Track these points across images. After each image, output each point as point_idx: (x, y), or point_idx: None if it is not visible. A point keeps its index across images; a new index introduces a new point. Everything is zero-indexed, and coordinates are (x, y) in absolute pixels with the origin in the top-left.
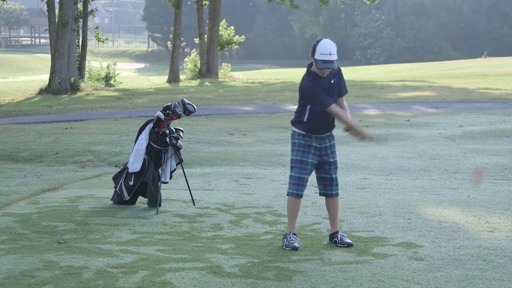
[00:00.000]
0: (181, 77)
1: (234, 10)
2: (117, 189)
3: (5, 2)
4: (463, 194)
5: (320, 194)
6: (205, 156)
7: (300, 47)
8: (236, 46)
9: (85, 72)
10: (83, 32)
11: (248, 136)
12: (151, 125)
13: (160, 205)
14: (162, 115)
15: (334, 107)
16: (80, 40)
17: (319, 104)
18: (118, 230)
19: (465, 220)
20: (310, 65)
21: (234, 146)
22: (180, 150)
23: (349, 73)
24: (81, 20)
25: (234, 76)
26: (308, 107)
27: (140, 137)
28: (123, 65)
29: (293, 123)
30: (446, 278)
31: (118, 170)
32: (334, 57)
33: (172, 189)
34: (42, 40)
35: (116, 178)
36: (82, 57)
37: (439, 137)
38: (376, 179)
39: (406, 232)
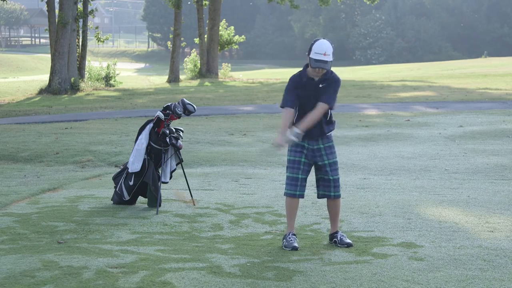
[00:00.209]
0: (181, 77)
1: (234, 10)
2: (117, 189)
3: (5, 2)
4: (463, 194)
5: (319, 197)
6: (205, 156)
7: (300, 47)
8: (236, 46)
9: (85, 72)
10: (83, 32)
11: (248, 136)
12: (151, 125)
13: (160, 205)
14: (162, 115)
15: (283, 112)
16: (80, 40)
17: (282, 100)
18: (118, 230)
19: (465, 220)
20: (306, 66)
21: (234, 146)
22: (180, 150)
23: (349, 73)
24: (81, 20)
25: (234, 76)
26: (299, 108)
27: (140, 137)
28: (123, 65)
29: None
30: (446, 278)
31: (118, 170)
32: (329, 58)
33: (172, 189)
34: (42, 40)
35: (116, 178)
36: (82, 57)
37: (439, 137)
38: (376, 179)
39: (406, 232)
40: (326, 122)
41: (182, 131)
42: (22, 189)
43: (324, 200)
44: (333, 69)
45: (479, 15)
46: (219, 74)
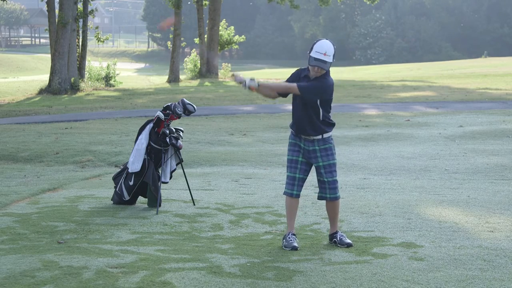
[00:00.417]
0: (181, 77)
1: (234, 10)
2: (117, 189)
3: (5, 2)
4: (463, 194)
5: (318, 198)
6: (205, 156)
7: (300, 47)
8: (236, 46)
9: (85, 72)
10: (83, 32)
11: (248, 136)
12: (151, 125)
13: (160, 205)
14: (162, 115)
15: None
16: (80, 40)
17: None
18: (118, 230)
19: (465, 220)
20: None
21: (234, 146)
22: (180, 150)
23: (349, 73)
24: (81, 20)
25: None
26: (293, 105)
27: (140, 137)
28: (123, 65)
29: (290, 124)
30: (446, 278)
31: (118, 170)
32: (328, 58)
33: (172, 189)
34: (42, 40)
35: (116, 178)
36: (82, 57)
37: (439, 137)
38: (376, 179)
39: (406, 232)
40: (321, 122)
41: (182, 131)
42: (22, 189)
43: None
44: (334, 69)
45: (479, 15)
46: (219, 74)
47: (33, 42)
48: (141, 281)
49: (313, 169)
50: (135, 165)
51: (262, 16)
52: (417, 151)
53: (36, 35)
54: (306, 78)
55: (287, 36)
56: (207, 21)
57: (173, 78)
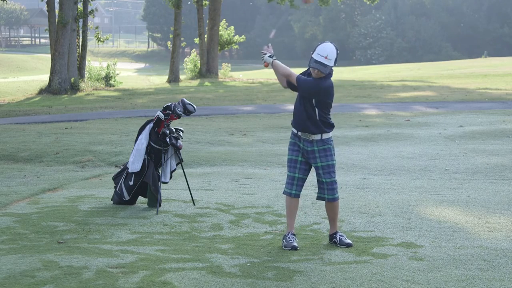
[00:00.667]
0: (181, 77)
1: (234, 10)
2: (117, 189)
3: (5, 2)
4: (463, 194)
5: (317, 198)
6: (205, 156)
7: (300, 47)
8: (236, 46)
9: (85, 72)
10: (83, 32)
11: (248, 136)
12: (151, 125)
13: (160, 205)
14: (162, 115)
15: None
16: (80, 40)
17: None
18: (118, 230)
19: (465, 220)
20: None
21: (234, 146)
22: (180, 150)
23: (349, 73)
24: (81, 20)
25: (234, 76)
26: (296, 101)
27: (140, 137)
28: (123, 65)
29: (291, 122)
30: (446, 278)
31: (118, 170)
32: (329, 62)
33: (172, 189)
34: (42, 40)
35: (116, 178)
36: (82, 57)
37: (439, 137)
38: (376, 179)
39: (406, 232)
40: (322, 122)
41: (182, 131)
42: (22, 189)
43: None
44: (334, 69)
45: (479, 15)
46: (219, 74)
47: (33, 42)
48: (141, 281)
49: (313, 169)
50: (135, 165)
51: (262, 16)
52: (417, 151)
53: (36, 35)
54: (309, 76)
55: (287, 36)
56: (207, 21)
57: (173, 78)
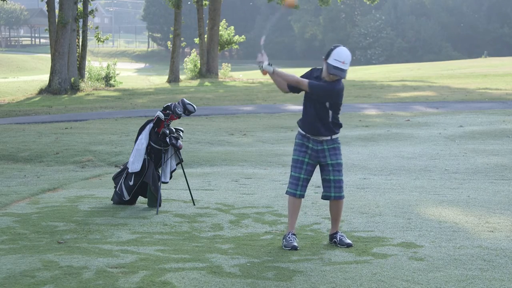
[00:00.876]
0: (181, 77)
1: (234, 10)
2: (117, 189)
3: (5, 2)
4: (463, 194)
5: (322, 197)
6: (205, 156)
7: (300, 47)
8: (236, 46)
9: (85, 72)
10: (83, 32)
11: (248, 136)
12: (151, 125)
13: (160, 205)
14: (162, 115)
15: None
16: (80, 40)
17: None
18: (118, 230)
19: (465, 220)
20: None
21: (234, 146)
22: (180, 150)
23: (349, 73)
24: (81, 20)
25: (234, 76)
26: (304, 104)
27: (140, 137)
28: (123, 65)
29: (298, 122)
30: (446, 278)
31: (118, 170)
32: (346, 67)
33: (172, 189)
34: (42, 40)
35: (116, 178)
36: (82, 57)
37: (439, 137)
38: (376, 179)
39: (406, 232)
40: (333, 123)
41: (182, 131)
42: (22, 189)
43: (324, 200)
44: None
45: (479, 15)
46: (219, 74)
47: (33, 42)
48: (141, 281)
49: (317, 169)
50: (135, 165)
51: (262, 16)
52: (417, 151)
53: (36, 35)
54: (317, 79)
55: (287, 36)
56: (207, 21)
57: (173, 78)
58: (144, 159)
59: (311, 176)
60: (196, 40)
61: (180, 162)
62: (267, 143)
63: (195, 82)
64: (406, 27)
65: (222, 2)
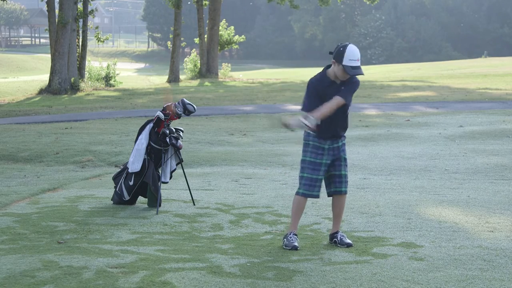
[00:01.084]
0: (181, 77)
1: (234, 10)
2: (117, 189)
3: (5, 2)
4: (463, 194)
5: (329, 195)
6: (205, 156)
7: (300, 47)
8: (236, 46)
9: (85, 72)
10: (83, 32)
11: (248, 136)
12: (151, 125)
13: (160, 205)
14: (162, 115)
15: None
16: (80, 40)
17: (302, 105)
18: (118, 230)
19: (465, 220)
20: (328, 67)
21: (234, 146)
22: (180, 150)
23: None
24: (81, 20)
25: (234, 76)
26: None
27: (140, 137)
28: (123, 65)
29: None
30: (446, 278)
31: (118, 170)
32: (360, 62)
33: (172, 189)
34: (42, 40)
35: (116, 178)
36: (82, 57)
37: (439, 137)
38: (376, 179)
39: (406, 232)
40: (346, 120)
41: (182, 131)
42: (22, 189)
43: (324, 200)
44: None
45: (479, 15)
46: (219, 74)
47: (33, 42)
48: (141, 281)
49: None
50: (135, 165)
51: (262, 16)
52: (417, 151)
53: (36, 35)
54: (333, 84)
55: (287, 36)
56: (207, 21)
57: (173, 78)
58: (144, 159)
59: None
60: (196, 40)
61: (180, 162)
62: (267, 143)
63: (195, 82)
64: (406, 27)
65: (222, 2)
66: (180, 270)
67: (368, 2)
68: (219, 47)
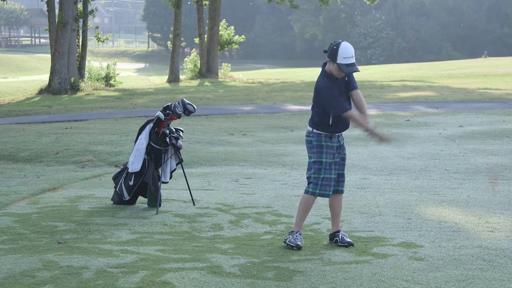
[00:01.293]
0: (181, 77)
1: (234, 10)
2: (117, 189)
3: (5, 2)
4: (463, 194)
5: (332, 193)
6: (205, 156)
7: (300, 47)
8: (236, 46)
9: (85, 72)
10: (83, 32)
11: (248, 136)
12: (151, 125)
13: (160, 205)
14: (162, 115)
15: (350, 113)
16: (80, 40)
17: (335, 109)
18: (118, 230)
19: (465, 220)
20: (325, 64)
21: (234, 146)
22: (180, 150)
23: None
24: (81, 20)
25: (234, 76)
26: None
27: (140, 137)
28: (123, 65)
29: (316, 125)
30: (446, 278)
31: (118, 170)
32: (354, 59)
33: (172, 189)
34: (42, 40)
35: (116, 178)
36: (82, 57)
37: (439, 137)
38: (376, 179)
39: (406, 232)
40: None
41: (182, 131)
42: (22, 189)
43: (324, 200)
44: None
45: (479, 15)
46: (219, 74)
47: (33, 42)
48: (141, 281)
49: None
50: (135, 165)
51: (262, 16)
52: (417, 151)
53: (36, 35)
54: (337, 79)
55: (287, 36)
56: (207, 21)
57: (173, 78)
58: (144, 159)
59: None
60: (196, 40)
61: (180, 162)
62: (267, 143)
63: (195, 82)
64: (406, 27)
65: (222, 2)
66: (180, 270)
67: (368, 2)
68: (219, 47)
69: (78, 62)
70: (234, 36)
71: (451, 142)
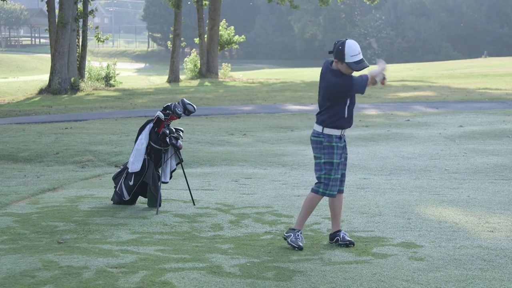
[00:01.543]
0: (181, 77)
1: (234, 10)
2: (117, 189)
3: (5, 2)
4: (463, 194)
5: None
6: (205, 156)
7: (300, 47)
8: (236, 46)
9: (85, 72)
10: (83, 32)
11: (248, 136)
12: (151, 125)
13: (160, 205)
14: (162, 115)
15: (368, 77)
16: (80, 40)
17: (361, 88)
18: (118, 230)
19: (465, 220)
20: (329, 63)
21: (234, 146)
22: (180, 150)
23: None
24: (81, 20)
25: (234, 76)
26: (347, 103)
27: (140, 137)
28: (123, 65)
29: (328, 125)
30: (446, 278)
31: (118, 170)
32: (362, 55)
33: (172, 189)
34: (42, 40)
35: (116, 178)
36: (82, 57)
37: (439, 137)
38: (376, 179)
39: (406, 232)
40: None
41: (182, 131)
42: (22, 189)
43: (324, 200)
44: None
45: (479, 15)
46: (219, 74)
47: (33, 42)
48: (141, 281)
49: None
50: (135, 165)
51: (262, 16)
52: (417, 151)
53: (36, 35)
54: (337, 72)
55: (287, 36)
56: (207, 21)
57: (173, 78)
58: (144, 159)
59: None
60: (196, 40)
61: (180, 162)
62: (267, 143)
63: (195, 82)
64: (406, 27)
65: (222, 2)
66: (180, 270)
67: (368, 2)
68: (219, 47)
69: (78, 62)
70: (234, 36)
71: (451, 142)
